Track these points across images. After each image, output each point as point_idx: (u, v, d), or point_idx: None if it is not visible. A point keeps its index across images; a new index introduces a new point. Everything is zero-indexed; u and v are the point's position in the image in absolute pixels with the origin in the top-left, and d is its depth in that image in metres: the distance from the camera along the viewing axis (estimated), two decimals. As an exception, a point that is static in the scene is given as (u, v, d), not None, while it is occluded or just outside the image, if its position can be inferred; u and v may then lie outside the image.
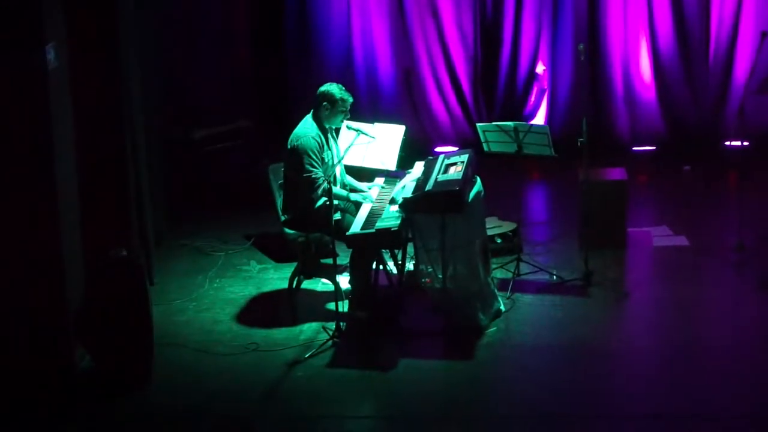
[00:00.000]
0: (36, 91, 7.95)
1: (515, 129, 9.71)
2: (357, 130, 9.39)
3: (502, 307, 9.32)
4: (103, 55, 9.18)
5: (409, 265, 9.65)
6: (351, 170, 9.69)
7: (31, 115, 7.97)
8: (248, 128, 12.78)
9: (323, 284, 9.84)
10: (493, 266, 9.72)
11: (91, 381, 8.34)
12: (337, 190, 9.19)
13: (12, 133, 7.97)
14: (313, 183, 9.01)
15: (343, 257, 9.39)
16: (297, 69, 13.54)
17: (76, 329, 8.31)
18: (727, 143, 13.10)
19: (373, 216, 9.11)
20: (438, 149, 13.20)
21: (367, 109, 12.97)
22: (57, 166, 8.11)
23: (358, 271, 9.09)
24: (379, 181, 9.77)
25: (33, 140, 8.00)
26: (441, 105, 13.65)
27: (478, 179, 9.24)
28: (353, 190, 9.55)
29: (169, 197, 11.46)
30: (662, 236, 10.94)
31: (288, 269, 9.80)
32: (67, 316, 8.27)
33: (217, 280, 10.25)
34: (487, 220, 9.89)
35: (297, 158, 9.07)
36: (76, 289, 8.41)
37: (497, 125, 9.85)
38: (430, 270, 9.07)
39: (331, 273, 9.23)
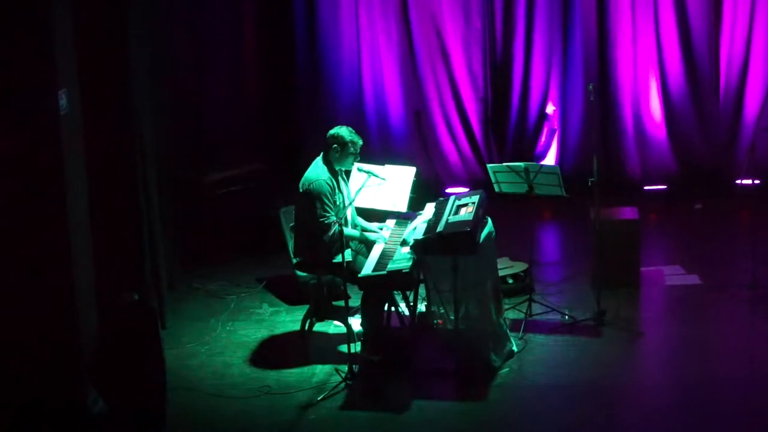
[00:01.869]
0: (48, 137, 7.99)
1: (526, 170, 9.73)
2: (368, 172, 9.40)
3: (515, 348, 9.30)
4: (115, 100, 9.24)
5: (421, 307, 9.65)
6: (362, 212, 9.71)
7: (44, 160, 8.00)
8: (260, 171, 12.81)
9: (335, 326, 9.84)
10: (505, 307, 9.70)
11: (104, 425, 8.33)
12: (349, 231, 9.21)
13: (25, 178, 8.00)
14: (325, 227, 9.03)
15: (355, 299, 9.39)
16: (307, 112, 13.58)
17: (90, 372, 8.31)
18: (739, 181, 13.10)
19: (384, 258, 9.12)
20: (449, 190, 13.21)
21: (378, 151, 12.99)
22: (69, 210, 8.14)
23: (370, 313, 9.10)
24: (390, 222, 9.78)
25: (46, 184, 8.03)
26: (452, 146, 13.67)
27: (489, 220, 9.25)
28: (364, 230, 9.56)
29: (181, 241, 11.48)
30: (675, 275, 10.92)
31: (300, 312, 9.82)
32: (80, 359, 8.27)
33: (230, 324, 10.25)
34: (499, 260, 9.89)
35: (309, 202, 9.09)
36: (88, 333, 8.41)
37: (508, 166, 9.87)
38: (442, 311, 9.07)
39: (343, 315, 9.24)
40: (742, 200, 12.32)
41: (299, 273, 9.44)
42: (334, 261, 9.00)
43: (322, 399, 8.64)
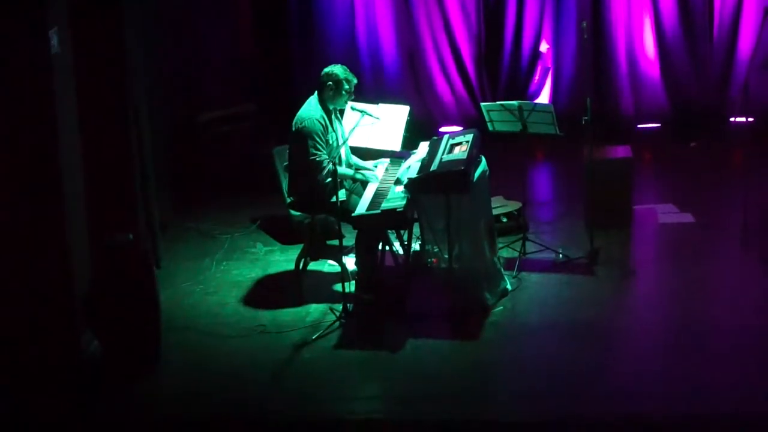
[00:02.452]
0: (40, 77, 7.95)
1: (519, 108, 9.71)
2: (361, 111, 9.38)
3: (509, 286, 9.33)
4: (107, 41, 9.18)
5: (415, 246, 9.66)
6: (356, 151, 9.69)
7: (36, 101, 7.97)
8: (253, 111, 12.77)
9: (330, 266, 9.86)
10: (499, 245, 9.72)
11: (99, 364, 8.36)
12: (342, 169, 9.21)
13: (17, 119, 7.97)
14: (318, 165, 9.02)
15: (349, 238, 9.40)
16: (301, 51, 13.52)
17: (84, 313, 8.33)
18: (732, 119, 13.09)
19: (378, 197, 9.12)
20: (442, 129, 13.18)
21: (372, 90, 12.95)
22: (61, 151, 8.12)
23: (364, 251, 9.11)
24: (384, 161, 9.77)
25: (37, 126, 8.00)
26: (445, 85, 13.63)
27: (483, 159, 9.24)
28: (358, 169, 9.55)
29: (174, 181, 11.46)
30: (668, 213, 10.94)
31: (294, 251, 9.82)
32: (74, 300, 8.28)
33: (224, 263, 10.27)
34: (493, 199, 9.90)
35: (301, 141, 9.07)
36: (82, 274, 8.43)
37: (501, 104, 9.85)
38: (436, 250, 9.09)
39: (337, 254, 9.24)
40: (736, 138, 12.30)
41: (293, 212, 9.43)
42: (328, 200, 8.99)
43: (316, 338, 8.67)
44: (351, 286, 9.17)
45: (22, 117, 7.97)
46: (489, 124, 9.97)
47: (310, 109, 9.17)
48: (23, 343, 8.20)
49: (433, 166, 8.86)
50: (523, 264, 9.77)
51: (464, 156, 8.86)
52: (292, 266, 9.65)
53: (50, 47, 7.96)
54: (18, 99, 7.95)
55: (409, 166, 9.29)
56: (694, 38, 13.30)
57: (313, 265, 9.63)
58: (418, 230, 9.31)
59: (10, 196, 8.05)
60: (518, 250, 9.95)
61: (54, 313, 8.23)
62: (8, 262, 8.14)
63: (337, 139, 9.26)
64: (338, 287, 9.27)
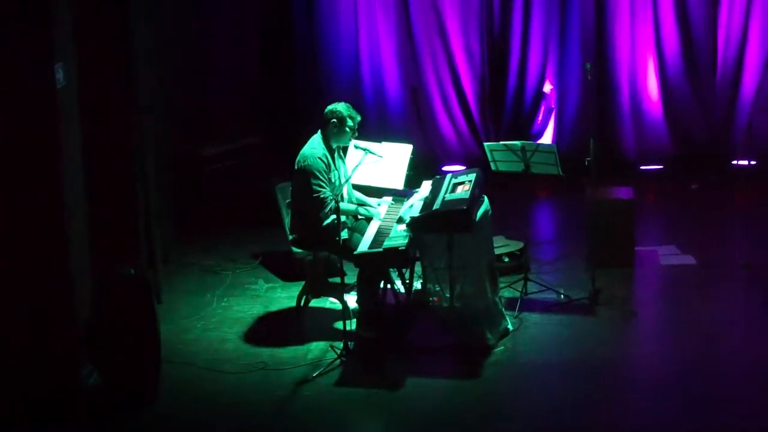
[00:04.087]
0: (45, 110, 7.97)
1: (523, 148, 9.72)
2: (364, 149, 9.39)
3: (510, 326, 9.32)
4: (113, 74, 9.22)
5: (417, 284, 9.66)
6: (359, 189, 9.70)
7: (40, 133, 7.98)
8: (256, 146, 12.80)
9: (331, 303, 9.85)
10: (501, 285, 9.70)
11: (98, 397, 8.34)
12: (345, 205, 9.21)
13: (21, 150, 7.99)
14: (321, 203, 9.03)
15: (351, 276, 9.40)
16: (305, 87, 13.58)
17: (84, 345, 8.32)
18: (735, 162, 13.12)
19: (380, 235, 9.12)
20: (445, 168, 13.21)
21: (375, 128, 12.98)
22: (65, 183, 8.13)
23: (365, 290, 9.10)
24: (387, 199, 9.78)
25: (41, 158, 8.01)
26: (448, 123, 13.67)
27: (486, 198, 9.25)
28: (362, 205, 9.56)
29: (177, 215, 11.47)
30: (670, 255, 10.93)
31: (296, 288, 9.82)
32: (75, 331, 8.27)
33: (225, 299, 10.26)
34: (495, 239, 9.91)
35: (304, 179, 9.09)
36: (83, 306, 8.42)
37: (505, 144, 9.86)
38: (438, 289, 9.08)
39: (338, 292, 9.24)
40: (738, 181, 12.32)
41: (295, 249, 9.44)
42: (330, 238, 8.99)
43: (317, 375, 8.65)
44: (352, 324, 9.16)
45: (27, 151, 7.98)
46: (492, 164, 9.98)
47: (314, 147, 9.19)
48: (23, 374, 8.18)
49: (436, 205, 8.87)
50: (525, 304, 9.76)
51: (467, 195, 8.87)
52: (293, 303, 9.66)
53: (56, 81, 7.98)
54: (23, 129, 7.96)
55: (412, 205, 9.30)
56: (697, 80, 13.35)
57: (314, 303, 9.62)
58: (420, 269, 9.30)
59: (12, 228, 8.05)
60: (520, 290, 9.94)
61: (54, 345, 8.21)
62: (10, 293, 8.13)
63: (339, 177, 9.27)
64: (339, 325, 9.26)
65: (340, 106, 9.27)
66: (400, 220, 9.20)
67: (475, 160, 12.79)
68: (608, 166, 12.41)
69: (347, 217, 9.34)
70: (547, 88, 13.52)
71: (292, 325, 9.49)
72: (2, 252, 8.07)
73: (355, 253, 8.97)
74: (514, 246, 10.60)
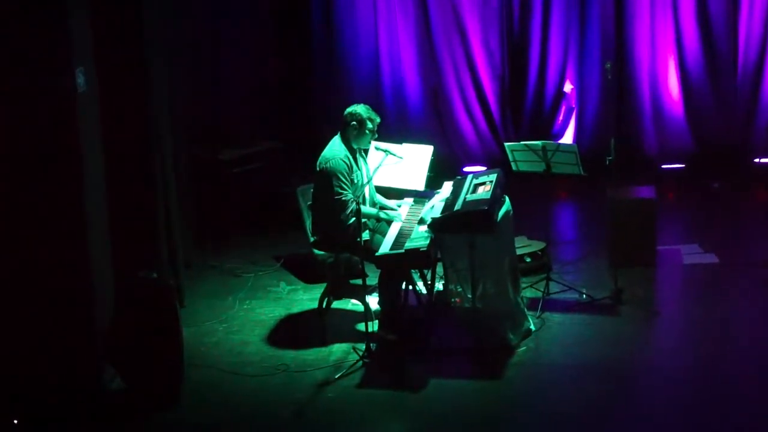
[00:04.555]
0: (65, 115, 8.00)
1: (543, 148, 9.70)
2: (385, 151, 9.39)
3: (532, 327, 9.30)
4: (132, 79, 9.25)
5: (439, 285, 9.65)
6: (380, 190, 9.70)
7: (61, 138, 8.02)
8: (276, 149, 12.81)
9: (353, 305, 9.85)
10: (523, 285, 9.69)
11: (120, 401, 8.36)
12: (366, 209, 9.21)
13: (42, 156, 8.02)
14: (342, 205, 9.03)
15: (373, 278, 9.40)
16: (325, 90, 13.59)
17: (107, 350, 8.35)
18: (757, 160, 13.07)
19: (402, 236, 9.12)
20: (466, 169, 13.21)
21: (395, 129, 12.98)
22: (86, 188, 8.16)
23: (387, 291, 9.10)
24: (408, 201, 9.78)
25: (63, 163, 8.05)
26: (469, 124, 13.66)
27: (507, 198, 9.24)
28: (383, 208, 9.56)
29: (198, 219, 11.49)
30: (692, 254, 10.90)
31: (317, 290, 9.82)
32: (97, 336, 8.30)
33: (247, 302, 10.27)
34: (516, 239, 9.88)
35: (326, 181, 9.08)
36: (105, 311, 8.44)
37: (525, 144, 9.84)
38: (460, 290, 9.07)
39: (360, 294, 9.23)
40: (760, 179, 12.26)
41: (316, 251, 9.44)
42: (352, 239, 8.99)
43: (339, 377, 8.65)
44: (374, 326, 9.16)
45: (48, 155, 8.02)
46: (513, 164, 9.96)
47: (335, 149, 9.19)
48: (46, 379, 8.22)
49: (457, 206, 8.86)
50: (547, 304, 9.73)
51: (488, 196, 8.86)
52: (315, 305, 9.66)
53: (77, 86, 8.01)
54: (44, 135, 7.99)
55: (433, 206, 9.29)
56: (718, 78, 13.31)
57: (336, 304, 9.61)
58: (442, 270, 9.29)
59: (34, 233, 8.09)
60: (542, 290, 9.92)
61: (77, 349, 8.26)
62: (32, 298, 8.17)
63: (361, 178, 9.27)
64: (361, 326, 9.25)
65: (360, 108, 9.27)
66: (421, 221, 9.19)
67: (496, 161, 12.77)
68: (629, 165, 12.39)
69: (369, 219, 9.33)
70: (568, 87, 13.50)
71: (314, 327, 9.49)
72: (23, 257, 8.11)
73: (376, 254, 8.96)
74: (536, 246, 10.59)
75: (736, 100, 13.32)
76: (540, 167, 9.81)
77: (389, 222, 9.38)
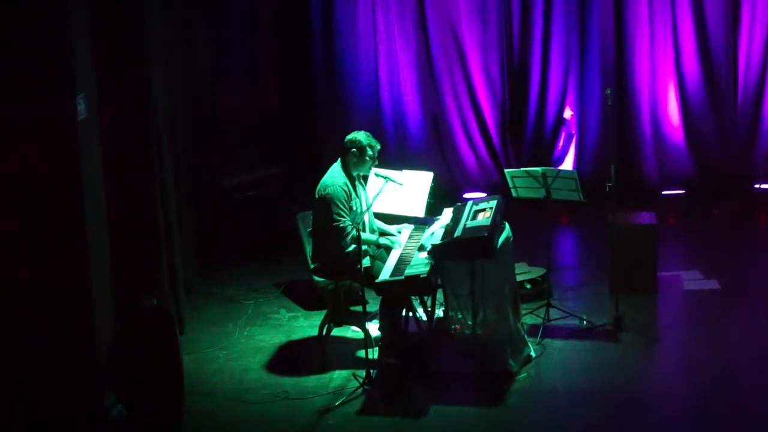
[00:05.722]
0: (66, 141, 8.01)
1: (543, 175, 9.71)
2: (385, 177, 9.40)
3: (533, 353, 9.29)
4: (133, 104, 9.26)
5: (439, 312, 9.64)
6: (379, 217, 9.71)
7: (62, 164, 8.02)
8: (277, 176, 12.82)
9: (353, 332, 9.84)
10: (523, 312, 9.68)
11: (122, 428, 8.34)
12: (366, 235, 9.21)
13: (43, 181, 8.03)
14: (341, 231, 9.04)
15: (373, 304, 9.39)
16: (325, 116, 13.61)
17: (107, 376, 8.34)
18: (757, 185, 13.08)
19: (402, 263, 9.12)
20: (466, 195, 13.21)
21: (395, 156, 13.01)
22: (87, 213, 8.16)
23: (387, 318, 9.09)
24: (408, 227, 9.78)
25: (63, 189, 8.05)
26: (469, 151, 13.67)
27: (507, 225, 9.24)
28: (383, 233, 9.57)
29: (198, 245, 11.49)
30: (693, 280, 10.89)
31: (318, 317, 9.82)
32: (97, 363, 8.29)
33: (247, 329, 10.26)
34: (517, 265, 9.88)
35: (325, 207, 9.10)
36: (106, 337, 8.43)
37: (525, 171, 9.86)
38: (460, 316, 9.07)
39: (360, 320, 9.24)
40: (761, 204, 12.26)
41: (317, 278, 9.44)
42: (352, 266, 8.99)
43: (340, 404, 8.64)
44: (374, 352, 9.15)
45: (49, 181, 8.02)
46: (513, 191, 9.97)
47: (334, 176, 9.21)
48: (47, 404, 8.21)
49: (457, 233, 8.86)
50: (547, 330, 9.73)
51: (488, 222, 8.86)
52: (315, 332, 9.65)
53: (78, 112, 8.02)
54: (45, 161, 8.00)
55: (433, 233, 9.30)
56: (718, 104, 13.33)
57: (336, 331, 9.61)
58: (442, 296, 9.29)
59: (34, 258, 8.09)
60: (542, 316, 9.91)
61: (78, 376, 8.24)
62: (33, 324, 8.16)
63: (360, 205, 9.28)
64: (362, 353, 9.25)
65: (360, 135, 9.28)
66: (421, 248, 9.20)
67: (496, 187, 12.78)
68: (630, 191, 12.40)
69: (368, 246, 9.33)
70: (568, 114, 13.52)
71: (314, 354, 9.48)
72: (24, 282, 8.10)
73: (376, 281, 8.96)
74: (536, 272, 10.59)
75: (736, 125, 13.34)
76: (540, 194, 9.82)
77: (388, 249, 9.38)
